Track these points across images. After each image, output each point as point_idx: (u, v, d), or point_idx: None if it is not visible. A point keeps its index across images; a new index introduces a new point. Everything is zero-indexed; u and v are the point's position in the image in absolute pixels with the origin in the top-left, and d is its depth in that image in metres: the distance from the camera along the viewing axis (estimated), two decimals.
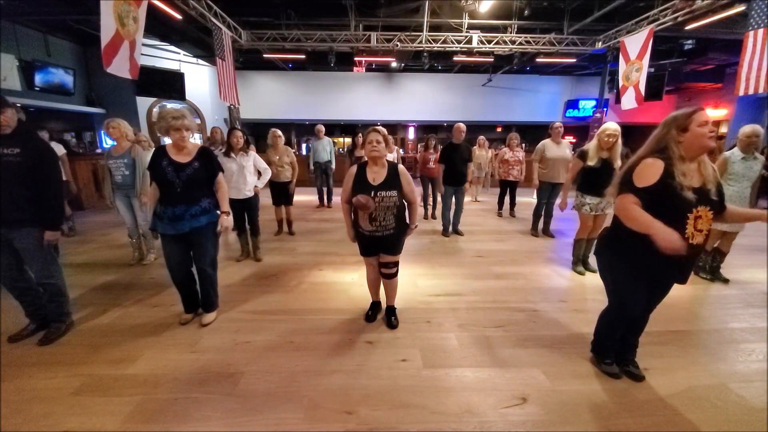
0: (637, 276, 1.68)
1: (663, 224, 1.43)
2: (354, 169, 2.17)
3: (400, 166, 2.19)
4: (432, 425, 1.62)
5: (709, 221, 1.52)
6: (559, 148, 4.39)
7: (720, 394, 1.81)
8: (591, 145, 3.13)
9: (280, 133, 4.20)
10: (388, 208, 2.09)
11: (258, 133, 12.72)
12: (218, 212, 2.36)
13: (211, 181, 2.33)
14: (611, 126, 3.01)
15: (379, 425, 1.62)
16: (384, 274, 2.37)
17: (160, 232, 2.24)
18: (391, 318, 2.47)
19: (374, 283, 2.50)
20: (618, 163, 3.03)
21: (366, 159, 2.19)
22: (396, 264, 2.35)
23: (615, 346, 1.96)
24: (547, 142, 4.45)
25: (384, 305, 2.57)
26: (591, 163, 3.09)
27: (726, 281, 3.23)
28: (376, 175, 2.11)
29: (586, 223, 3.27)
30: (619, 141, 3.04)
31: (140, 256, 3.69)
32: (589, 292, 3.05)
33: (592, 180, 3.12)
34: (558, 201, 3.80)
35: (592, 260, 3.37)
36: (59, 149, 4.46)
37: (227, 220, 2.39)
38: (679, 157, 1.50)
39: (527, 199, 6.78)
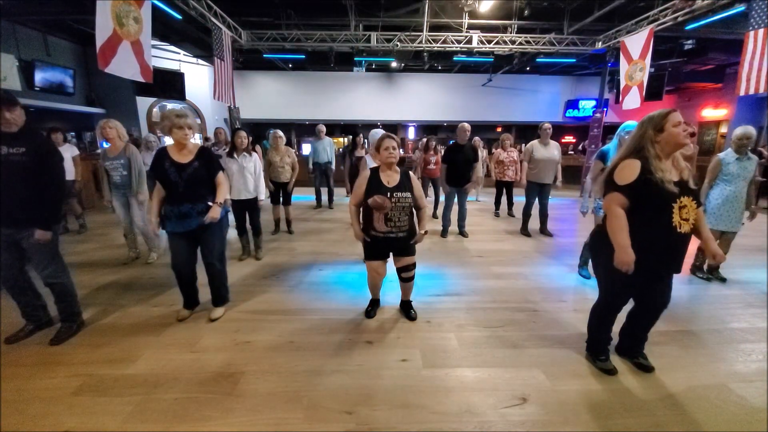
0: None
1: (627, 242, 1.59)
2: (367, 173, 2.29)
3: (411, 172, 2.35)
4: (432, 425, 1.62)
5: (693, 210, 1.61)
6: (547, 150, 4.43)
7: (720, 394, 1.81)
8: (611, 146, 2.85)
9: (281, 134, 4.33)
10: (404, 209, 2.23)
11: (258, 133, 12.71)
12: (210, 203, 2.32)
13: (212, 179, 2.38)
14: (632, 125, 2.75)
15: (379, 425, 1.62)
16: (404, 278, 2.46)
17: (168, 231, 2.33)
18: (410, 311, 2.57)
19: (376, 284, 2.55)
20: None
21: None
22: (415, 265, 2.45)
23: (608, 341, 2.02)
24: (535, 143, 4.51)
25: (396, 300, 2.66)
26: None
27: (723, 280, 3.27)
28: (390, 179, 2.25)
29: None
30: None
31: (135, 255, 3.70)
32: (589, 292, 3.05)
33: None
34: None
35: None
36: (72, 150, 4.60)
37: (216, 211, 2.30)
38: (655, 156, 1.61)
39: (524, 199, 6.77)
